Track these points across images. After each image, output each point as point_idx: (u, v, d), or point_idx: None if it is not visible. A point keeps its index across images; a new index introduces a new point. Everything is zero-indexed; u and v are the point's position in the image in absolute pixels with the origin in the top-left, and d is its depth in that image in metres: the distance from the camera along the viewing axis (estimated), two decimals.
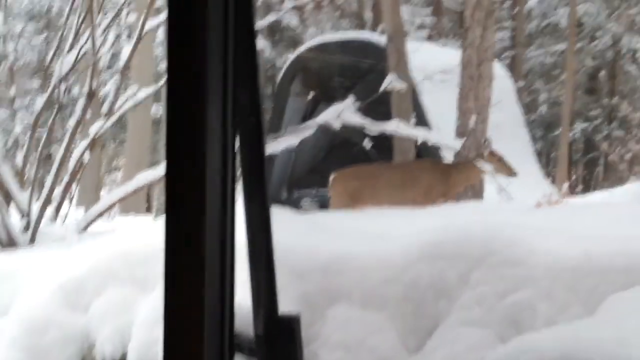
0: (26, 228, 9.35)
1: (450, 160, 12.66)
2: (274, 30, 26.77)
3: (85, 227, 9.65)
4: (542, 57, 29.23)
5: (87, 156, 10.03)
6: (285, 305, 1.62)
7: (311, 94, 17.29)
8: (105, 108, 10.39)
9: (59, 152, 10.33)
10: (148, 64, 21.61)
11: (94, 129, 9.92)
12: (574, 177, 24.43)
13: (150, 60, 22.34)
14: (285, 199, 18.80)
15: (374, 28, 23.08)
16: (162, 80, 11.62)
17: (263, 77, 26.05)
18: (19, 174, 10.14)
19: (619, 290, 4.53)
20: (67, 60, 10.05)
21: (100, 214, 9.74)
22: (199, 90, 1.34)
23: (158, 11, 15.43)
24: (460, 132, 13.30)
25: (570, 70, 23.38)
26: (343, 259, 5.63)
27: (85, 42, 10.31)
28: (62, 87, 10.31)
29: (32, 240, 9.32)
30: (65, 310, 6.59)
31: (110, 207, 10.16)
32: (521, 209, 7.96)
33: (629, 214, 6.64)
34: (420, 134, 8.44)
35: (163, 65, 24.41)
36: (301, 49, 19.73)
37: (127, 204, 18.04)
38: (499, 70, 17.53)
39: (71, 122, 10.46)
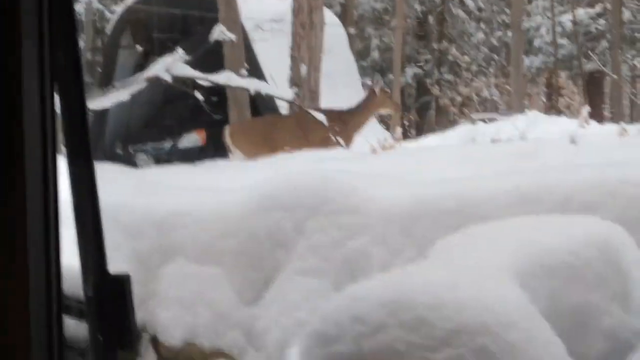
0: None
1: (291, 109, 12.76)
2: None
3: None
4: (373, 3, 29.50)
5: None
6: (119, 264, 1.58)
7: (141, 47, 16.98)
8: None
9: None
10: None
11: None
12: (406, 121, 24.91)
13: None
14: (120, 154, 18.50)
15: None
16: None
17: (92, 28, 25.40)
18: None
19: (451, 231, 4.65)
20: None
21: None
22: (14, 52, 1.29)
23: None
24: (294, 80, 13.33)
25: (399, 15, 23.67)
26: (178, 215, 5.57)
27: None
28: None
29: None
30: None
31: None
32: (356, 156, 8.06)
33: (458, 156, 6.81)
34: (252, 85, 8.40)
35: None
36: (130, 0, 19.31)
37: None
38: (330, 18, 17.60)
39: None
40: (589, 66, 27.14)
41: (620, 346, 3.59)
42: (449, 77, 28.21)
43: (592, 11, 28.13)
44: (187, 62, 7.35)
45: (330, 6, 22.82)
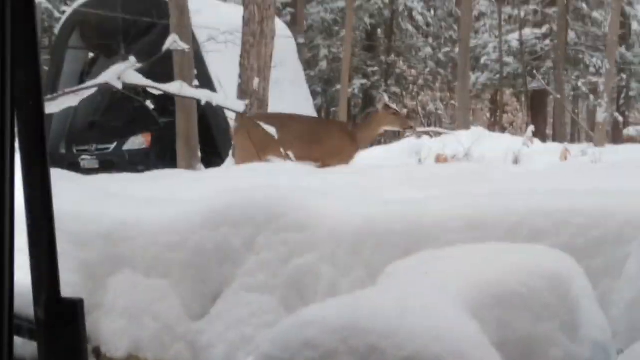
0: None
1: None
2: None
3: None
4: (323, 13, 29.57)
5: None
6: (65, 274, 1.56)
7: (90, 50, 16.83)
8: None
9: None
10: None
11: None
12: None
13: None
14: (64, 154, 18.31)
15: None
16: None
17: (40, 27, 25.06)
18: None
19: (400, 253, 4.66)
20: None
21: None
22: None
23: None
24: (243, 89, 13.30)
25: (349, 27, 23.75)
26: (127, 225, 5.52)
27: None
28: None
29: None
30: None
31: None
32: (305, 170, 8.05)
33: (408, 175, 6.84)
34: (202, 95, 8.35)
35: None
36: (80, 1, 19.12)
37: None
38: (281, 27, 17.60)
39: None
40: (533, 85, 27.46)
41: None
42: (395, 89, 28.35)
43: (538, 31, 28.48)
44: (138, 69, 7.31)
45: (280, 15, 22.82)
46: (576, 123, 30.82)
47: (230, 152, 13.16)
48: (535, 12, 28.66)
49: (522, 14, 28.33)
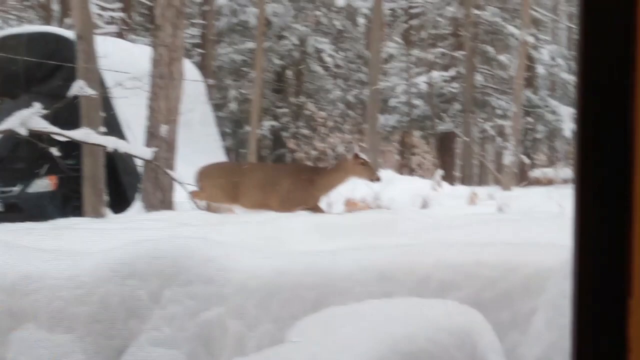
0: None
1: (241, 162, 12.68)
2: None
3: None
4: (232, 54, 29.59)
5: None
6: None
7: None
8: None
9: None
10: None
11: None
12: None
13: None
14: None
15: (62, 21, 22.38)
16: None
17: None
18: None
19: (309, 306, 4.63)
20: None
21: None
22: None
23: None
24: (151, 132, 13.18)
25: (258, 68, 23.80)
26: (30, 279, 5.38)
27: None
28: None
29: None
30: None
31: None
32: (212, 220, 7.97)
33: (316, 225, 6.82)
34: (110, 143, 8.24)
35: None
36: None
37: None
38: (189, 68, 17.55)
39: None
40: (441, 127, 27.85)
41: None
42: (305, 131, 28.45)
43: (446, 74, 28.93)
44: (43, 116, 7.17)
45: (189, 57, 22.75)
46: (484, 165, 31.33)
47: (140, 197, 13.00)
48: (443, 54, 29.11)
49: (431, 56, 28.77)
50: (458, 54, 28.98)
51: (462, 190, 17.37)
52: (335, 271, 4.88)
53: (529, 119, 29.08)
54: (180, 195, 12.94)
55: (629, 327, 1.43)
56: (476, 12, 28.79)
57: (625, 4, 1.47)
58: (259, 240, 5.97)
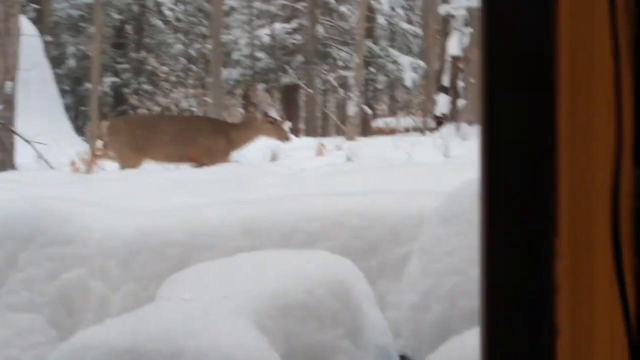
0: None
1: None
2: None
3: None
4: (69, 9, 28.71)
5: None
6: None
7: None
8: None
9: None
10: None
11: None
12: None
13: None
14: None
15: None
16: None
17: None
18: None
19: (175, 264, 4.52)
20: None
21: None
22: None
23: None
24: None
25: (97, 23, 23.16)
26: None
27: None
28: None
29: None
30: None
31: None
32: (65, 178, 7.71)
33: (176, 181, 6.68)
34: None
35: None
36: None
37: None
38: (25, 25, 16.94)
39: None
40: (285, 79, 27.84)
41: None
42: (147, 87, 27.95)
43: (288, 26, 28.89)
44: None
45: (24, 12, 21.94)
46: (327, 116, 31.53)
47: None
48: (285, 6, 29.06)
49: (273, 8, 28.64)
50: (299, 5, 28.98)
51: (309, 141, 17.42)
52: (199, 227, 4.78)
53: (371, 70, 29.40)
54: (22, 156, 12.56)
55: (555, 268, 1.38)
56: None
57: None
58: (118, 198, 5.79)
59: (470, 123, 16.29)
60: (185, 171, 8.27)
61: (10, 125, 12.64)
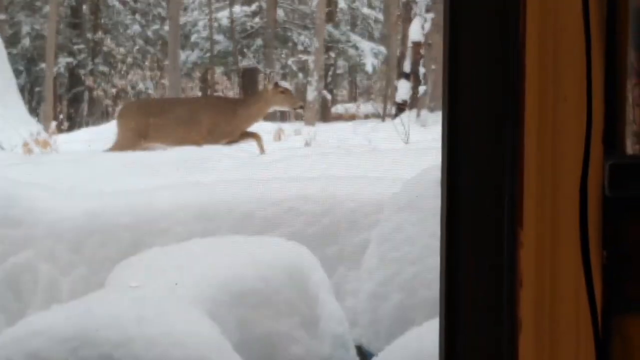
0: None
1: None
2: None
3: None
4: None
5: None
6: None
7: None
8: None
9: None
10: None
11: None
12: (61, 114, 24.10)
13: None
14: None
15: None
16: None
17: None
18: None
19: (126, 248, 4.43)
20: None
21: None
22: None
23: None
24: None
25: (53, 2, 22.86)
26: None
27: None
28: None
29: None
30: None
31: None
32: (16, 160, 7.56)
33: (129, 163, 6.57)
34: None
35: None
36: None
37: None
38: None
39: None
40: (244, 63, 27.68)
41: None
42: (103, 68, 27.64)
43: (248, 9, 28.72)
44: None
45: None
46: None
47: None
48: None
49: None
50: None
51: (267, 126, 17.31)
52: (152, 210, 4.69)
53: (331, 55, 29.31)
54: None
55: (519, 260, 1.32)
56: None
57: None
58: (68, 179, 5.67)
59: (431, 110, 16.26)
60: (137, 153, 8.16)
61: None
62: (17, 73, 23.82)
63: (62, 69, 27.19)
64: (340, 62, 30.67)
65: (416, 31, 17.09)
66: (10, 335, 3.24)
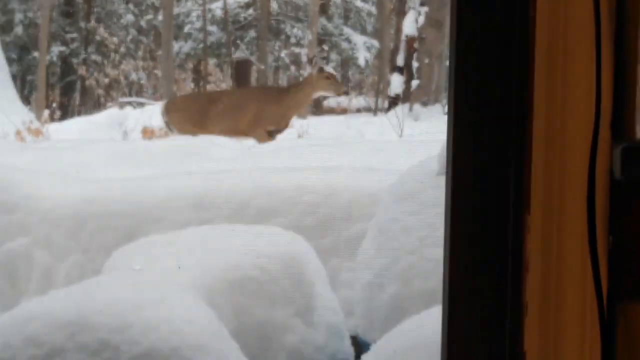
0: None
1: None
2: None
3: None
4: None
5: None
6: None
7: None
8: None
9: None
10: None
11: None
12: (53, 103, 24.05)
13: None
14: None
15: None
16: None
17: None
18: None
19: (122, 236, 4.44)
20: None
21: None
22: None
23: None
24: None
25: None
26: None
27: None
28: None
29: None
30: None
31: None
32: (10, 147, 7.56)
33: (124, 151, 6.57)
34: None
35: None
36: None
37: None
38: None
39: None
40: (237, 54, 27.65)
41: None
42: (96, 57, 27.57)
43: (241, 0, 28.68)
44: None
45: None
46: None
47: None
48: None
49: None
50: None
51: None
52: (148, 199, 4.70)
53: (324, 48, 29.30)
54: None
55: (526, 245, 1.33)
56: None
57: None
58: (64, 167, 5.68)
59: (424, 104, 16.26)
60: (132, 142, 8.15)
61: None
62: (9, 61, 23.77)
63: (54, 58, 27.11)
64: (333, 56, 30.66)
65: (410, 25, 17.07)
66: (7, 319, 3.25)
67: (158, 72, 26.12)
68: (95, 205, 4.71)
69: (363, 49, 28.53)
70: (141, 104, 18.55)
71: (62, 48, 27.31)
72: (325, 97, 28.34)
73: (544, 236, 1.30)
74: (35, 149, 7.30)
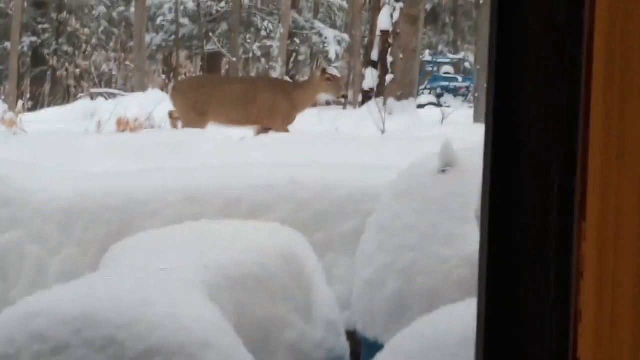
0: None
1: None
2: None
3: None
4: None
5: None
6: None
7: None
8: None
9: None
10: None
11: None
12: (26, 93, 23.88)
13: None
14: None
15: None
16: None
17: None
18: None
19: (115, 230, 4.44)
20: None
21: None
22: None
23: None
24: None
25: None
26: None
27: None
28: None
29: None
30: None
31: None
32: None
33: (110, 145, 6.56)
34: None
35: None
36: None
37: None
38: None
39: None
40: (208, 47, 27.58)
41: (303, 359, 3.59)
42: (67, 48, 27.40)
43: None
44: None
45: None
46: None
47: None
48: None
49: None
50: None
51: None
52: (140, 193, 4.70)
53: (295, 41, 29.30)
54: None
55: (582, 255, 1.33)
56: None
57: None
58: (55, 160, 5.66)
59: (398, 98, 16.30)
60: (119, 135, 8.14)
61: None
62: None
63: (25, 48, 26.92)
64: (304, 49, 30.67)
65: (385, 20, 17.10)
66: (10, 314, 3.24)
67: (129, 64, 25.98)
68: (88, 199, 4.71)
69: (334, 42, 28.56)
70: (113, 95, 18.46)
71: (34, 38, 27.13)
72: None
73: (600, 243, 1.30)
74: (26, 142, 7.27)
